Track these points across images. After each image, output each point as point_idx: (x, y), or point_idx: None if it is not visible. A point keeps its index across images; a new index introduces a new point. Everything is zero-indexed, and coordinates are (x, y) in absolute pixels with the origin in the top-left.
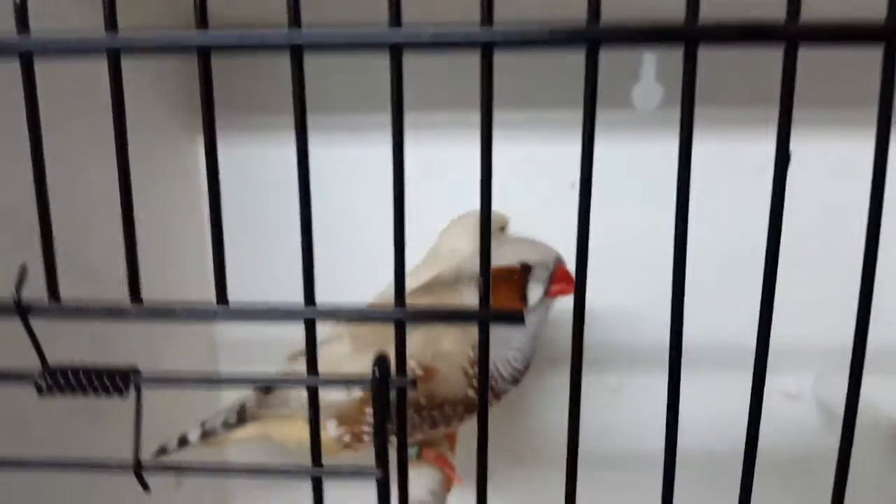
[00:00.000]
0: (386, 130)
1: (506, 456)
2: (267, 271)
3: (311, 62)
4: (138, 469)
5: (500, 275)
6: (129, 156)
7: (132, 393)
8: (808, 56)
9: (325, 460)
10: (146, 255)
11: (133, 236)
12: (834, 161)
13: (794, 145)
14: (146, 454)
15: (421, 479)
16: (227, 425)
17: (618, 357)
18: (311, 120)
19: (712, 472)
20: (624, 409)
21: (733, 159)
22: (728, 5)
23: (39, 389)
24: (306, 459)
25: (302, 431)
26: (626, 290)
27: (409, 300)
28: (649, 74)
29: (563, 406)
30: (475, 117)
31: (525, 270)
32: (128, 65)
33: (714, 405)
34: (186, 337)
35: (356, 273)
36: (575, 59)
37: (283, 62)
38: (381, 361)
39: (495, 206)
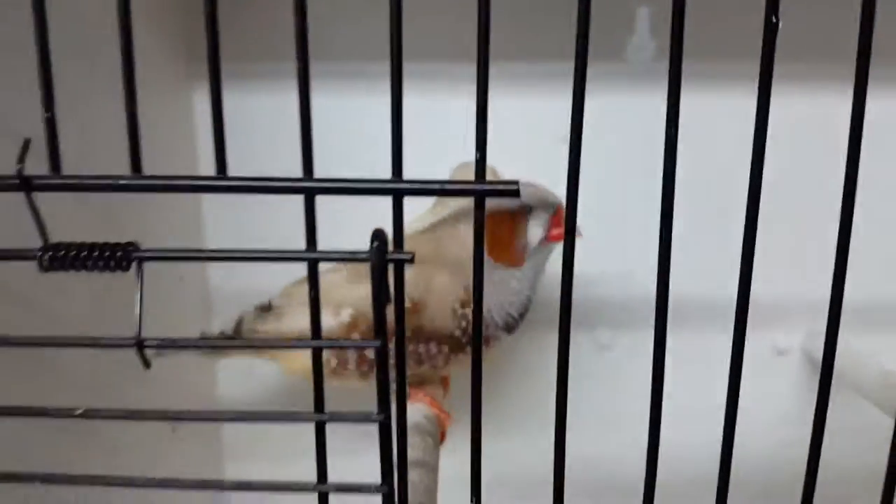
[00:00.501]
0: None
1: (499, 410)
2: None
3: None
4: (140, 345)
5: (500, 215)
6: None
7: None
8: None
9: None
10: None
11: (135, 111)
12: (826, 114)
13: (782, 101)
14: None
15: (413, 410)
16: (225, 337)
17: (611, 314)
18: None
19: (702, 428)
20: (617, 365)
21: (727, 112)
22: None
23: (42, 265)
24: (295, 379)
25: (293, 352)
26: (621, 246)
27: (411, 240)
28: (643, 28)
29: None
30: (471, 69)
31: (525, 212)
32: None
33: (705, 361)
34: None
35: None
36: (569, 11)
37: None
38: (378, 234)
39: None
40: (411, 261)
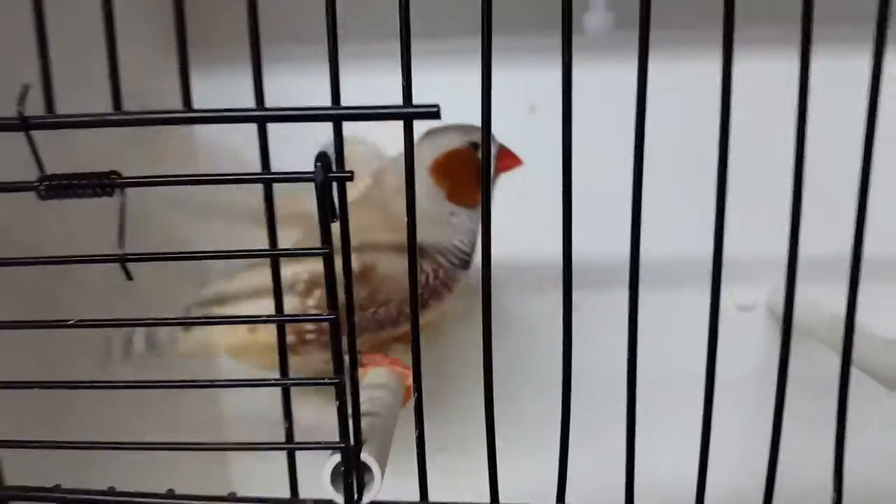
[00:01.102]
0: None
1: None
2: None
3: None
4: (123, 260)
5: (454, 158)
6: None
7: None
8: None
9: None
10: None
11: (115, 52)
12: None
13: (748, 63)
14: None
15: (373, 376)
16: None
17: (581, 273)
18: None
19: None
20: (586, 325)
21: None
22: None
23: (40, 195)
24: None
25: (242, 335)
26: (587, 210)
27: (355, 207)
28: (599, 3)
29: (524, 326)
30: (433, 45)
31: (474, 149)
32: None
33: (671, 319)
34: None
35: None
36: None
37: None
38: (321, 156)
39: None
40: (351, 178)
